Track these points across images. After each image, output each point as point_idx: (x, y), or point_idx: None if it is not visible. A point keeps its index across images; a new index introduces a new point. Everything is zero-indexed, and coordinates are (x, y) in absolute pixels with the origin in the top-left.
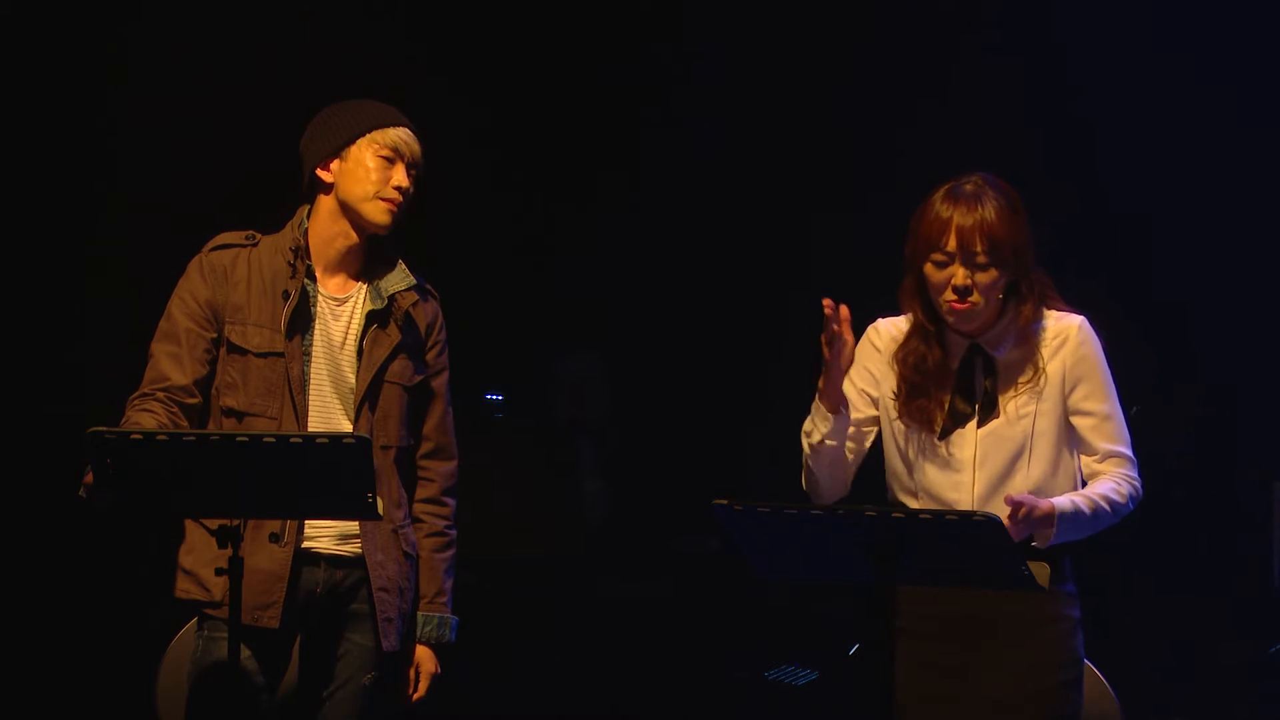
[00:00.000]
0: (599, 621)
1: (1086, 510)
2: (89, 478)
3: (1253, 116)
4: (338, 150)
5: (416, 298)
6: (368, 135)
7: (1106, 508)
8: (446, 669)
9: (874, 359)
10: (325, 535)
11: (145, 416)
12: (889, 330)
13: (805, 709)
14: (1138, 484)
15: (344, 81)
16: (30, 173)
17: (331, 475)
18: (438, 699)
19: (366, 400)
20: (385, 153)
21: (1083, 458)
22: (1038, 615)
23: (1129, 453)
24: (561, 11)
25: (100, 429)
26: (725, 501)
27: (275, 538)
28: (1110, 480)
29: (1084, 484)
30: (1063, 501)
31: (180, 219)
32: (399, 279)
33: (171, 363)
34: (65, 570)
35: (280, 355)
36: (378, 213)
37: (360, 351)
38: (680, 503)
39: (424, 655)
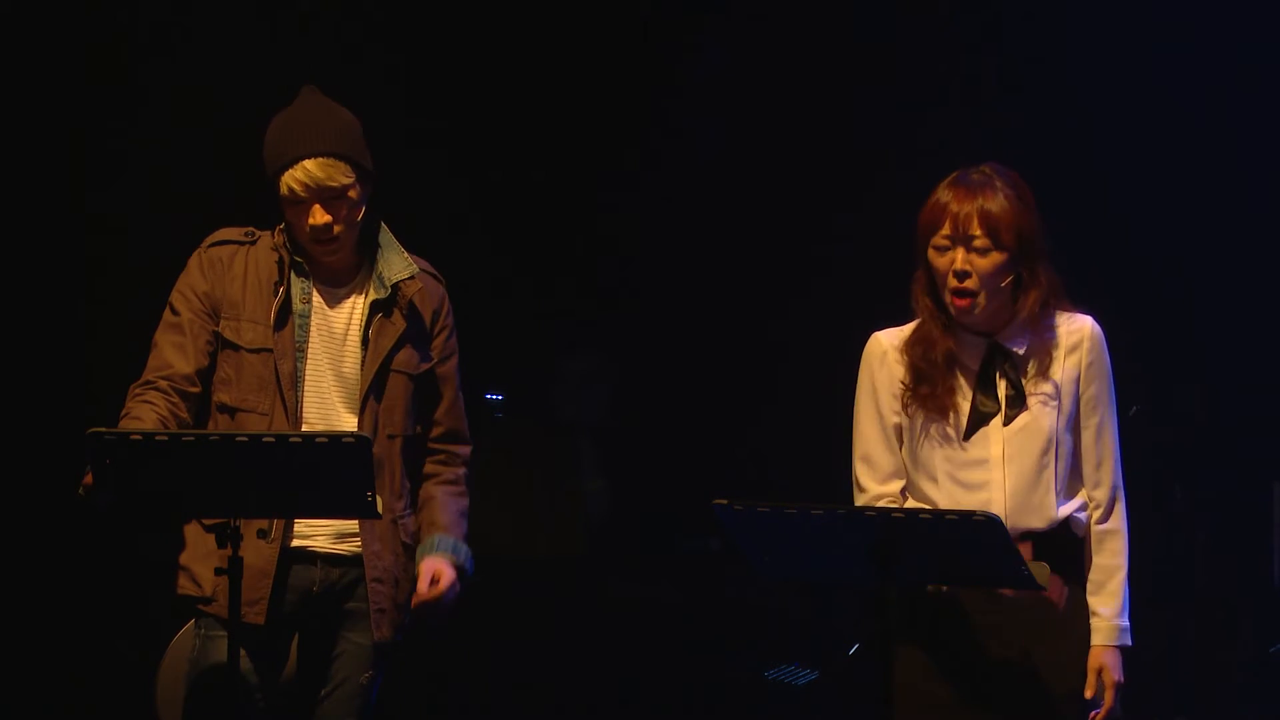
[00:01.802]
0: (599, 621)
1: (1126, 598)
2: (89, 478)
3: (1256, 117)
4: (270, 189)
5: (420, 285)
6: (276, 182)
7: (1127, 563)
8: (446, 669)
9: (888, 376)
10: (321, 534)
11: (145, 409)
12: (890, 340)
13: (805, 709)
14: (1124, 504)
15: (342, 82)
16: (31, 172)
17: (331, 474)
18: (438, 699)
19: (372, 391)
20: (291, 198)
21: (1082, 465)
22: (1054, 617)
23: (1118, 468)
24: (564, 8)
25: (100, 429)
26: (725, 501)
27: (263, 534)
28: (1112, 532)
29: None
30: (1121, 638)
31: (181, 219)
32: (401, 267)
33: (175, 351)
34: (66, 571)
35: (270, 351)
36: (319, 255)
37: (365, 341)
38: (682, 503)
39: (440, 563)
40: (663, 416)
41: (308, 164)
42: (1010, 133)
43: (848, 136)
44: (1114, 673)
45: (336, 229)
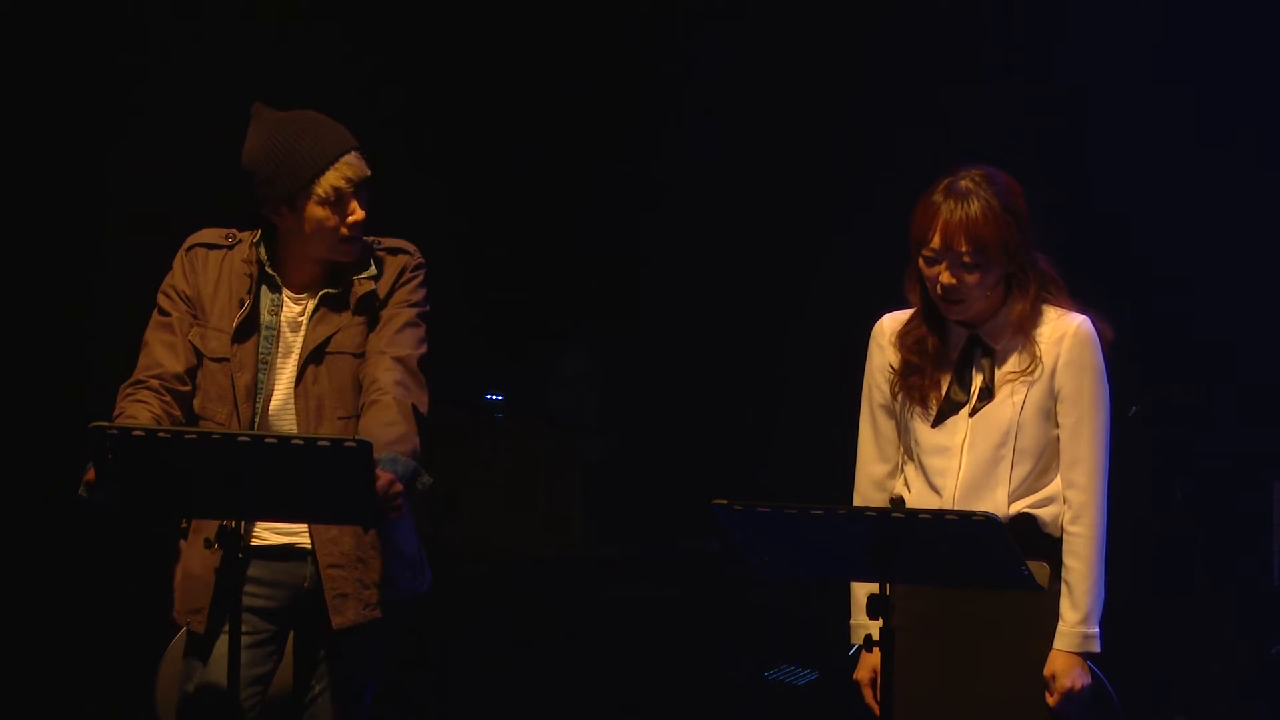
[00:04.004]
0: (599, 622)
1: (1097, 591)
2: (90, 475)
3: (1256, 114)
4: (286, 199)
5: (372, 285)
6: (309, 188)
7: (1100, 563)
8: (446, 669)
9: (883, 361)
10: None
11: (139, 408)
12: (892, 325)
13: (805, 709)
14: (1101, 510)
15: (342, 83)
16: (33, 172)
17: (330, 479)
18: (437, 699)
19: (306, 375)
20: (334, 197)
21: (1060, 465)
22: (1038, 614)
23: (1098, 472)
24: (565, 10)
25: (102, 424)
26: (725, 501)
27: (209, 543)
28: (1082, 536)
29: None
30: (1082, 644)
31: (182, 219)
32: (365, 268)
33: (166, 350)
34: (67, 570)
35: (228, 361)
36: (341, 254)
37: (307, 330)
38: (682, 503)
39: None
40: (663, 416)
41: (349, 158)
42: (1009, 132)
43: (847, 138)
44: (1066, 679)
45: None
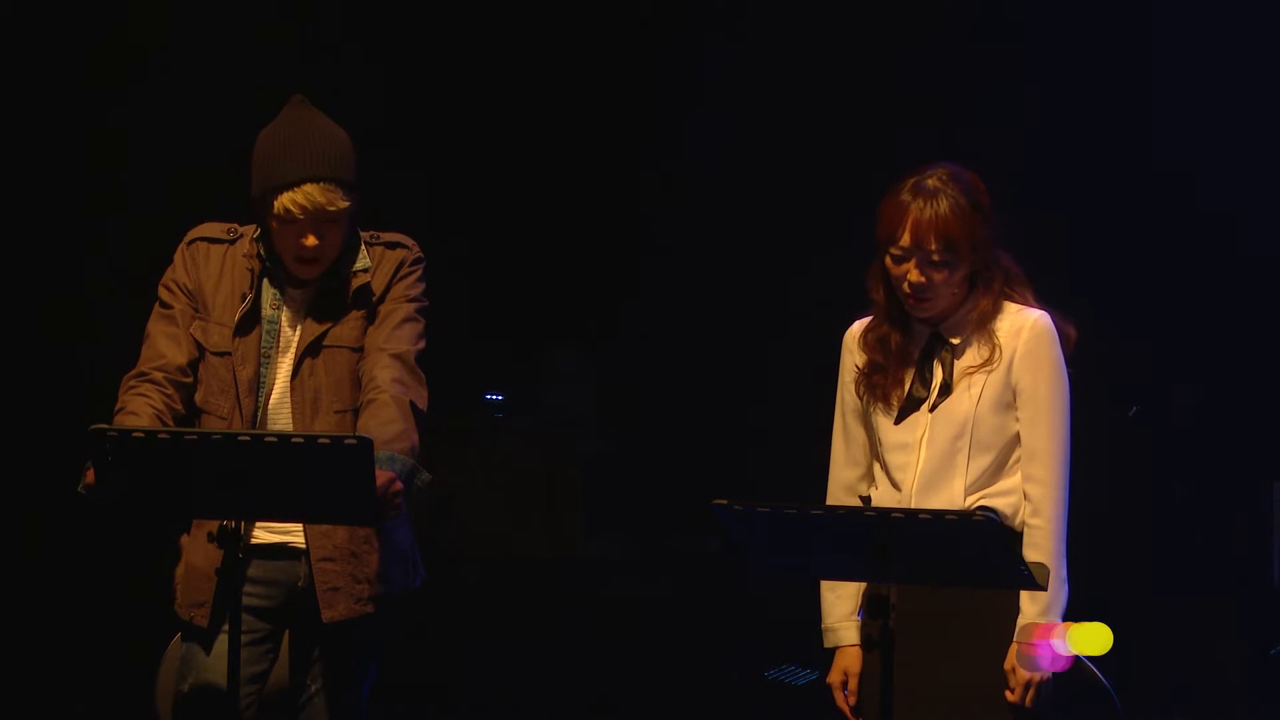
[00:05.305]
0: (598, 621)
1: (1058, 584)
2: (90, 475)
3: (1256, 114)
4: (256, 201)
5: (368, 279)
6: (269, 200)
7: (1060, 556)
8: (446, 669)
9: (851, 363)
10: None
11: (140, 402)
12: (859, 330)
13: (805, 709)
14: (1061, 503)
15: (344, 85)
16: (35, 171)
17: (331, 477)
18: (437, 700)
19: (303, 368)
20: (285, 218)
21: (1020, 457)
22: (1007, 610)
23: (1057, 466)
24: (564, 9)
25: (102, 426)
26: (724, 501)
27: (212, 537)
28: (1041, 529)
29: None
30: (1041, 617)
31: (182, 218)
32: (356, 261)
33: (169, 341)
34: (69, 571)
35: (230, 355)
36: (299, 270)
37: (305, 321)
38: (679, 502)
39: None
40: (661, 415)
41: (309, 188)
42: (1009, 131)
43: (847, 138)
44: (1026, 671)
45: (325, 251)
